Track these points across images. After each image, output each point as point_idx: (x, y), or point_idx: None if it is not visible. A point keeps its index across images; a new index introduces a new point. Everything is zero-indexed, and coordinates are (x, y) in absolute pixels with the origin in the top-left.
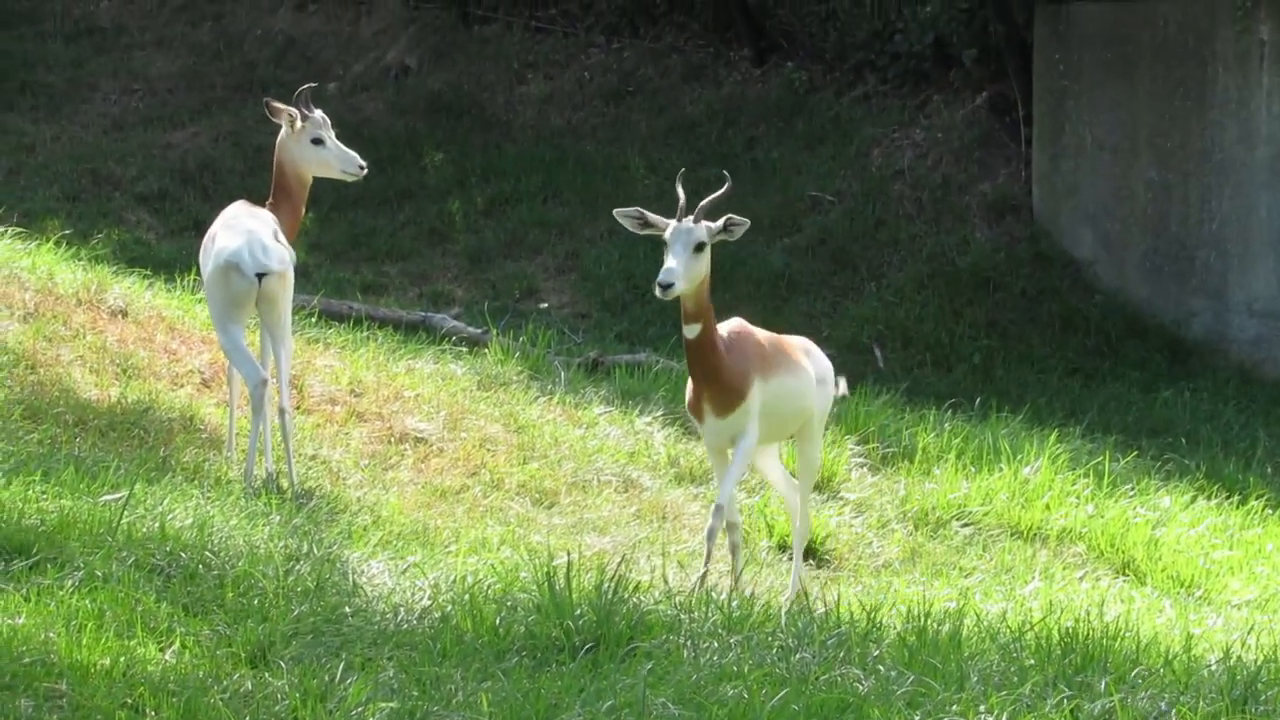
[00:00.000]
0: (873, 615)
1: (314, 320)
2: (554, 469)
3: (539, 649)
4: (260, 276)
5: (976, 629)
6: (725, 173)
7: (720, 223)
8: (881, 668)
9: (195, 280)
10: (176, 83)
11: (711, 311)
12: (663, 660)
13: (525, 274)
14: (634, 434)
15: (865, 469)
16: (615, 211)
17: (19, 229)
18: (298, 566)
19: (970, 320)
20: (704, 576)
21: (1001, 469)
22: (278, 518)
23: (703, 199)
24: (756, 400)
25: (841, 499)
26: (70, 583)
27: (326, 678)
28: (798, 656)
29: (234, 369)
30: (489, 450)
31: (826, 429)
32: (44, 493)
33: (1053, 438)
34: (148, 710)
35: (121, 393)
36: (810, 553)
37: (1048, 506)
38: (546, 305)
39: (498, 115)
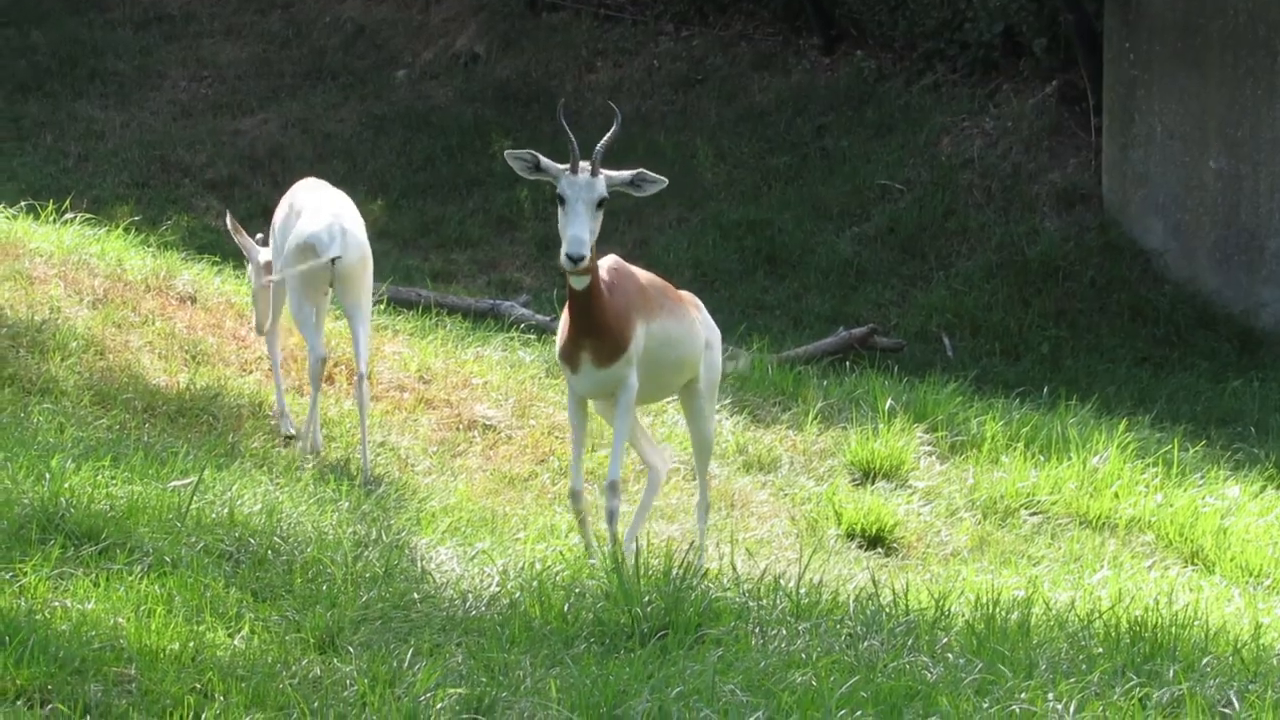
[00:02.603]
0: (941, 603)
1: (383, 307)
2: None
3: (607, 635)
4: (334, 259)
5: (1045, 617)
6: (612, 104)
7: (629, 174)
8: (950, 655)
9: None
10: (245, 70)
11: (596, 260)
12: (731, 647)
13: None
14: None
15: (933, 457)
16: (506, 153)
17: (88, 215)
18: (366, 553)
19: (1039, 309)
20: (590, 544)
21: (1070, 458)
22: (346, 504)
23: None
24: (638, 347)
25: (910, 487)
26: (139, 568)
27: (395, 663)
28: (866, 644)
29: (272, 339)
30: (557, 437)
31: (723, 404)
32: (113, 478)
33: (1121, 427)
34: (216, 695)
35: (190, 379)
36: (879, 541)
37: (1116, 495)
38: None
39: (566, 103)
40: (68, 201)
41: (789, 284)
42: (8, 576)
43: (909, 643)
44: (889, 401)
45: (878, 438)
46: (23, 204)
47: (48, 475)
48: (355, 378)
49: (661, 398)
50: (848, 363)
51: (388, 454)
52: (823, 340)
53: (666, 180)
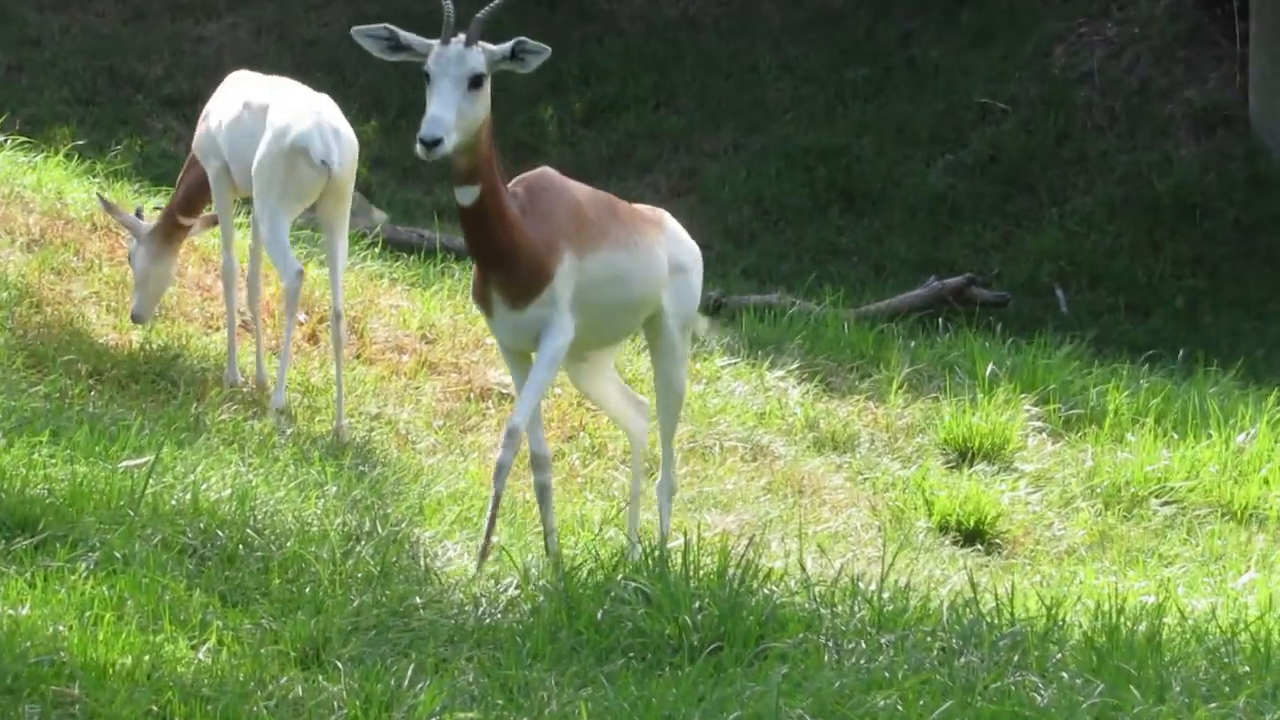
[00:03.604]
0: (1054, 611)
1: (377, 251)
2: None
3: (649, 649)
4: (327, 167)
5: (1179, 629)
6: None
7: (507, 46)
8: (1064, 674)
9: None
10: None
11: (495, 166)
12: (799, 663)
13: (632, 196)
14: (764, 391)
15: (1044, 435)
16: (354, 30)
17: (22, 138)
18: (358, 548)
19: (1172, 256)
20: (486, 544)
21: (1210, 436)
22: (334, 489)
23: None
24: (567, 284)
25: (1015, 470)
26: (84, 566)
27: (393, 682)
28: (963, 660)
29: (232, 267)
30: (588, 409)
31: (699, 343)
32: (52, 457)
33: (1272, 399)
34: (176, 719)
35: (145, 337)
36: (978, 535)
37: (1266, 481)
38: None
39: (598, 4)
40: None
41: (868, 224)
42: None
43: (1015, 659)
44: (990, 367)
45: (976, 411)
46: None
47: None
48: (332, 314)
49: (613, 344)
50: (940, 319)
51: (384, 429)
52: (909, 292)
53: (549, 49)
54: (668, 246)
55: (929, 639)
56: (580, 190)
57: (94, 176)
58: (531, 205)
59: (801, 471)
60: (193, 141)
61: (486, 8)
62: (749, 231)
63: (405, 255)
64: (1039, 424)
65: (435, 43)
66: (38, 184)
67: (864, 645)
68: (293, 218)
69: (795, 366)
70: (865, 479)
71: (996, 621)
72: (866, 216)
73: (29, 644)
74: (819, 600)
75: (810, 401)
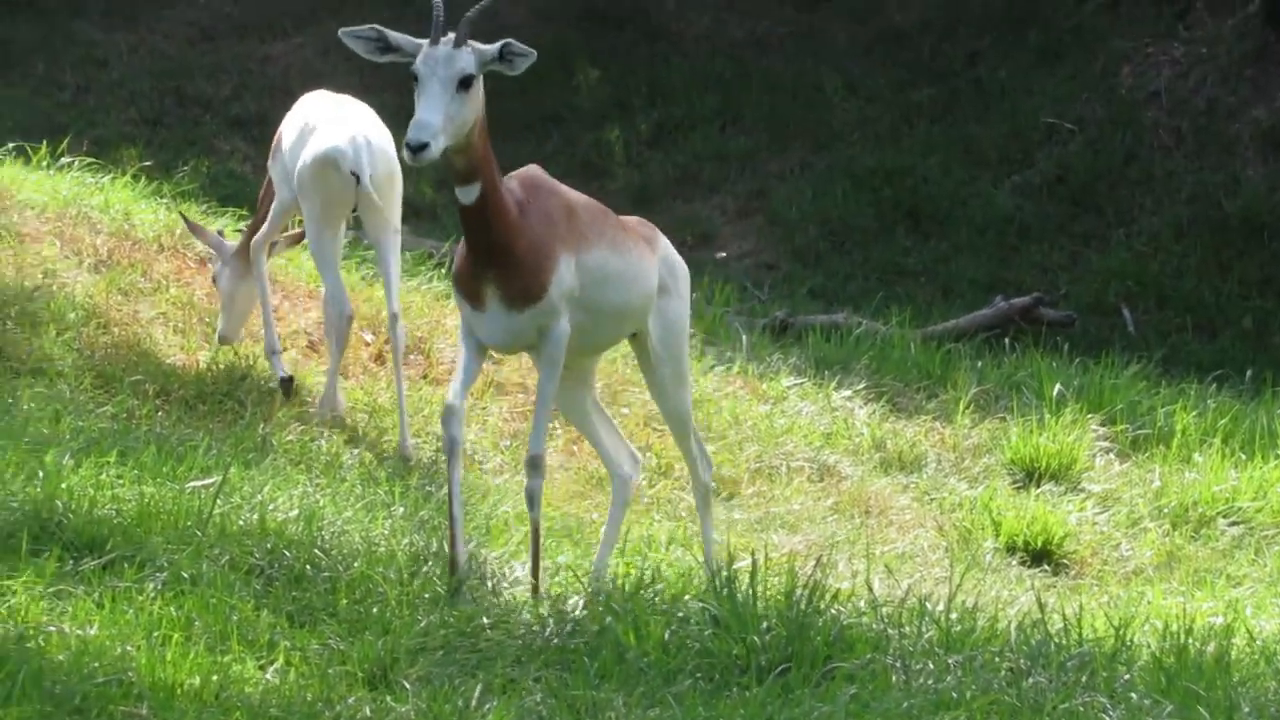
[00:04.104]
0: (1122, 632)
1: (444, 271)
2: (734, 453)
3: (717, 669)
4: (356, 177)
5: (1248, 649)
6: None
7: (495, 47)
8: (1133, 695)
9: (298, 221)
10: None
11: (493, 164)
12: (867, 684)
13: (699, 216)
14: (830, 411)
15: (1111, 455)
16: (342, 31)
17: (89, 160)
18: (425, 568)
19: (1240, 276)
20: (536, 571)
21: (1278, 456)
22: (401, 509)
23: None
24: (566, 284)
25: (1083, 491)
26: (152, 586)
27: (460, 702)
28: (1030, 681)
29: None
30: (655, 429)
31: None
32: (119, 477)
33: None
34: None
35: (212, 357)
36: (1045, 556)
37: None
38: (725, 255)
39: (665, 24)
40: (64, 143)
41: (935, 244)
42: None
43: (1083, 680)
44: (1057, 387)
45: (1043, 431)
46: (11, 146)
47: (41, 474)
48: (389, 316)
49: (596, 353)
50: (1007, 340)
51: None
52: (976, 313)
53: (535, 53)
54: (659, 266)
55: (997, 659)
56: (570, 192)
57: (161, 197)
58: (529, 203)
59: (868, 492)
60: (269, 161)
61: (475, 7)
62: (815, 252)
63: None
64: (1106, 444)
65: (424, 43)
66: (105, 205)
67: (932, 666)
68: (336, 232)
69: (862, 386)
70: (932, 499)
71: (1064, 642)
72: (933, 237)
73: (97, 664)
74: (886, 621)
75: (877, 421)
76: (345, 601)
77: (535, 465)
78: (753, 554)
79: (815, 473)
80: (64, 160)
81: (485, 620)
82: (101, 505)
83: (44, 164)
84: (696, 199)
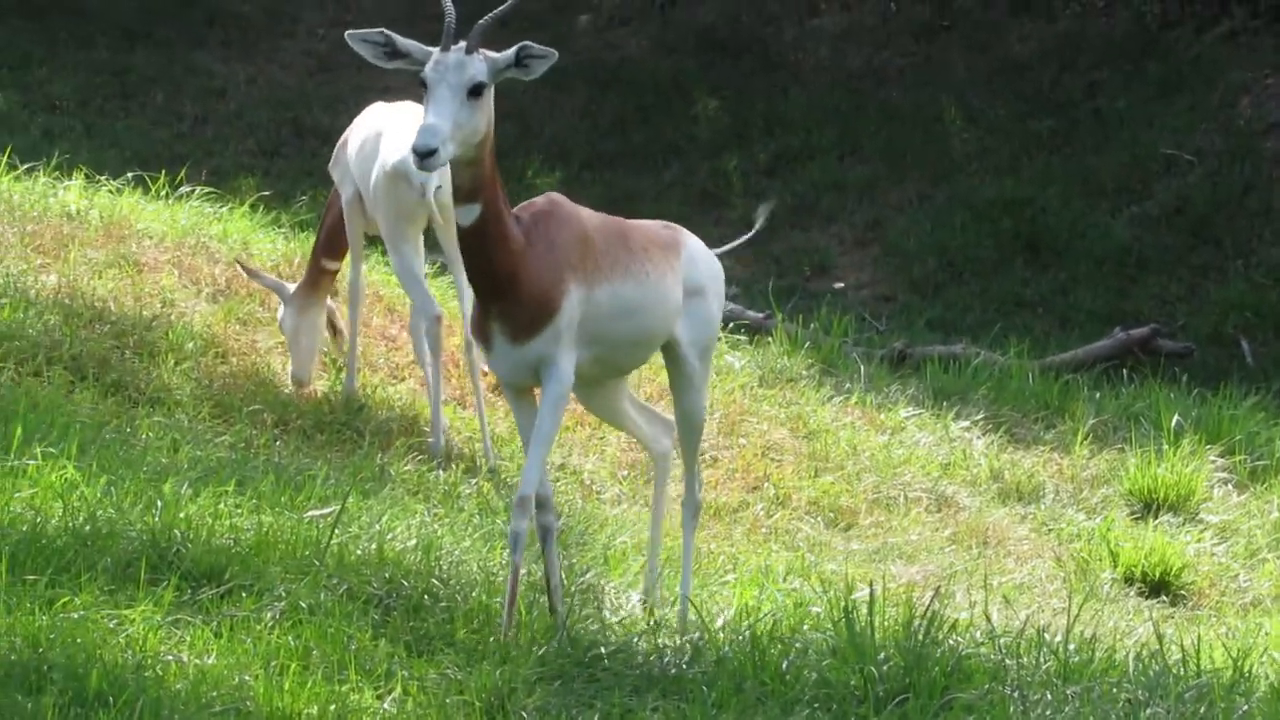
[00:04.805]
0: (1240, 663)
1: None
2: (851, 483)
3: (835, 699)
4: (427, 189)
5: None
6: None
7: (510, 53)
8: None
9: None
10: (396, 13)
11: (498, 185)
12: (985, 715)
13: (817, 247)
14: (949, 441)
15: (1230, 486)
16: (349, 34)
17: (208, 189)
18: (543, 598)
19: None
20: (508, 618)
21: None
22: None
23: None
24: (573, 319)
25: (1201, 522)
26: (270, 615)
27: None
28: (1148, 712)
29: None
30: (773, 460)
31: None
32: (238, 507)
33: None
34: None
35: (330, 387)
36: (1163, 587)
37: None
38: (842, 285)
39: (784, 54)
40: (183, 173)
41: (1054, 275)
42: (112, 624)
43: (1201, 711)
44: (1175, 418)
45: (1162, 462)
46: (129, 175)
47: (159, 503)
48: (465, 343)
49: (624, 374)
50: (1125, 370)
51: (569, 478)
52: (1095, 343)
53: (555, 53)
54: (684, 269)
55: (1114, 691)
56: (590, 217)
57: (279, 227)
58: (537, 232)
59: (986, 522)
60: (329, 165)
61: (493, 13)
62: (934, 283)
63: None
64: (1224, 475)
65: (434, 50)
66: (223, 235)
67: (1050, 697)
68: (414, 245)
69: (980, 417)
70: (1050, 530)
71: (1182, 673)
72: (1052, 268)
73: (215, 694)
74: (1004, 651)
75: (995, 452)
76: (463, 631)
77: (524, 506)
78: (870, 584)
79: (933, 503)
80: (182, 190)
81: (602, 650)
82: (219, 534)
83: (163, 194)
84: (814, 229)
